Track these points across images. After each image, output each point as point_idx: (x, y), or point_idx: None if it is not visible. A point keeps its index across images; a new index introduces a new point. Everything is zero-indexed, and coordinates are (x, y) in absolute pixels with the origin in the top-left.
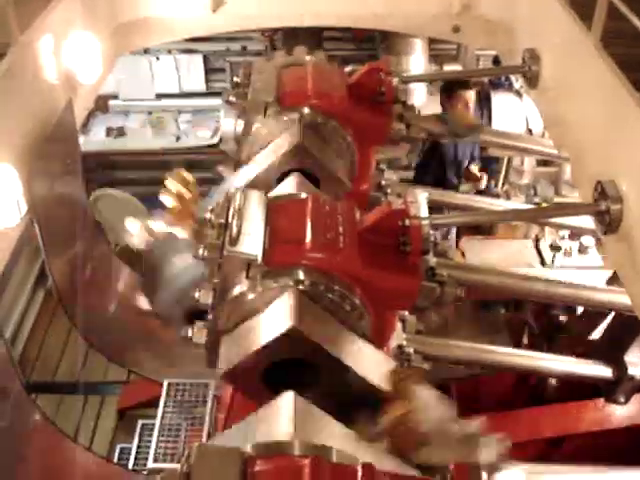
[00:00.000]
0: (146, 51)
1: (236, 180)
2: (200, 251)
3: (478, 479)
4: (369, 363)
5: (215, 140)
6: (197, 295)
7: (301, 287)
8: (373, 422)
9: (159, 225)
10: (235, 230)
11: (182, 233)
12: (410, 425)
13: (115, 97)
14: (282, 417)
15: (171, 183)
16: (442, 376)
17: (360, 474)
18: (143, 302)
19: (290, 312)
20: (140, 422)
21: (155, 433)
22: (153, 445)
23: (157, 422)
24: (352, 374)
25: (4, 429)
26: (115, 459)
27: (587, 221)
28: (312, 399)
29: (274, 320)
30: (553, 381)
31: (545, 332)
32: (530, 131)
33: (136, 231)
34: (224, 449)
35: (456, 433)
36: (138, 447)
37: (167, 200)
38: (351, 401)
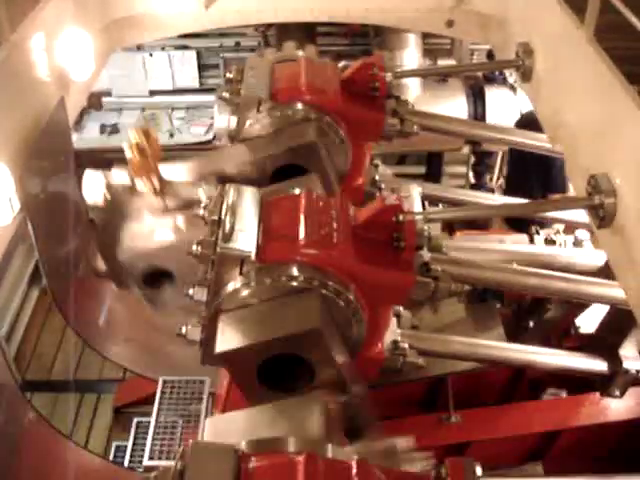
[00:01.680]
0: (139, 48)
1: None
2: (194, 247)
3: (473, 475)
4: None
5: (209, 136)
6: (191, 291)
7: (294, 283)
8: None
9: (119, 175)
10: (228, 226)
11: (142, 187)
12: None
13: (108, 94)
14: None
15: (133, 135)
16: (439, 371)
17: (354, 470)
18: (100, 264)
19: (314, 313)
20: (135, 420)
21: (150, 431)
22: (149, 443)
23: (152, 420)
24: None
25: None
26: (111, 457)
27: (581, 215)
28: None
29: (290, 315)
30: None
31: (540, 326)
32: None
33: (93, 184)
34: (219, 446)
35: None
36: (134, 445)
37: (127, 151)
38: None
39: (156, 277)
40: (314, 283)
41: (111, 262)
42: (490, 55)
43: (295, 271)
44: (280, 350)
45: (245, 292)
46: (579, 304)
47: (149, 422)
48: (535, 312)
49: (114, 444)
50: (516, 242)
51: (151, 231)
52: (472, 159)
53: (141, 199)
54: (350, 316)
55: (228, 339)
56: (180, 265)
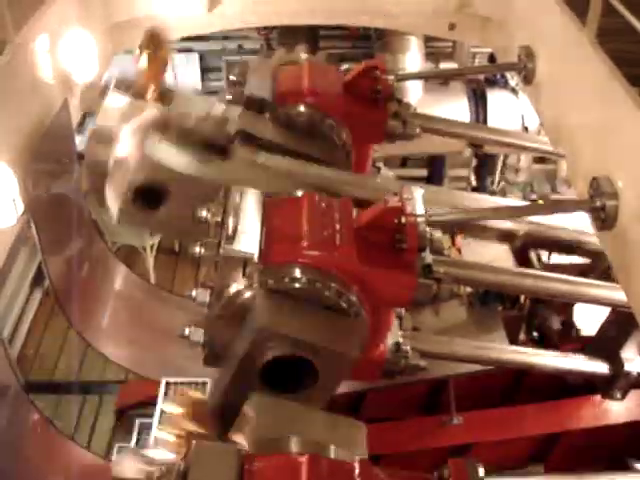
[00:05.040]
0: None
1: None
2: (197, 249)
3: (476, 476)
4: None
5: None
6: (194, 293)
7: (297, 285)
8: None
9: (117, 99)
10: (231, 228)
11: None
12: None
13: None
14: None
15: (144, 41)
16: (442, 373)
17: (357, 471)
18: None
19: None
20: (138, 421)
21: (153, 432)
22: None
23: (155, 421)
24: None
25: (2, 429)
26: (113, 458)
27: (583, 218)
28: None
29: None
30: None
31: (541, 329)
32: (526, 128)
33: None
34: (221, 446)
35: None
36: (136, 446)
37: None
38: None
39: (149, 195)
40: (317, 285)
41: (99, 179)
42: (492, 58)
43: (298, 273)
44: (303, 353)
45: (248, 294)
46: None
47: (151, 424)
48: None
49: (116, 445)
50: None
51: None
52: (474, 162)
53: (141, 111)
54: (352, 318)
55: (270, 318)
56: (177, 182)
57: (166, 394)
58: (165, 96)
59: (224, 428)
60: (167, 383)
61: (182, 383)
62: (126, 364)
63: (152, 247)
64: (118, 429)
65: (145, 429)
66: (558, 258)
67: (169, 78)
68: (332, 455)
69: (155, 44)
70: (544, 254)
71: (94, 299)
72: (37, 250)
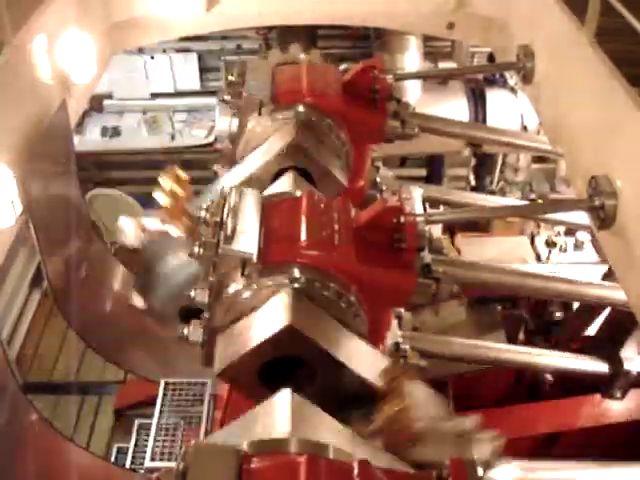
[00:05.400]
0: (141, 50)
1: (229, 178)
2: (195, 249)
3: (474, 474)
4: (364, 360)
5: (210, 139)
6: (193, 294)
7: (296, 285)
8: (368, 419)
9: (153, 223)
10: (230, 228)
11: (176, 231)
12: (404, 423)
13: (110, 97)
14: (279, 414)
15: (165, 181)
16: (441, 373)
17: (356, 471)
18: (138, 301)
19: (286, 311)
20: (137, 421)
21: (152, 432)
22: (150, 444)
23: (154, 421)
24: (347, 371)
25: (1, 429)
26: (112, 459)
27: (582, 217)
28: (309, 397)
29: (269, 319)
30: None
31: (541, 328)
32: (525, 128)
33: (130, 229)
34: (220, 447)
35: (450, 430)
36: (135, 446)
37: (161, 198)
38: (347, 398)
39: (194, 314)
40: (315, 284)
41: (150, 301)
42: (491, 58)
43: (296, 272)
44: (270, 355)
45: (247, 293)
46: (597, 312)
47: (150, 424)
48: (537, 315)
49: (115, 446)
50: (518, 244)
51: (186, 269)
52: (473, 161)
53: (175, 239)
54: (351, 318)
55: (222, 357)
56: None
57: (165, 394)
58: (194, 228)
59: None
60: (166, 383)
61: (181, 383)
62: (125, 364)
63: None
64: (117, 429)
65: (144, 429)
66: (558, 257)
67: (168, 79)
68: (331, 455)
69: (175, 182)
70: (543, 253)
71: (93, 300)
72: (36, 251)
